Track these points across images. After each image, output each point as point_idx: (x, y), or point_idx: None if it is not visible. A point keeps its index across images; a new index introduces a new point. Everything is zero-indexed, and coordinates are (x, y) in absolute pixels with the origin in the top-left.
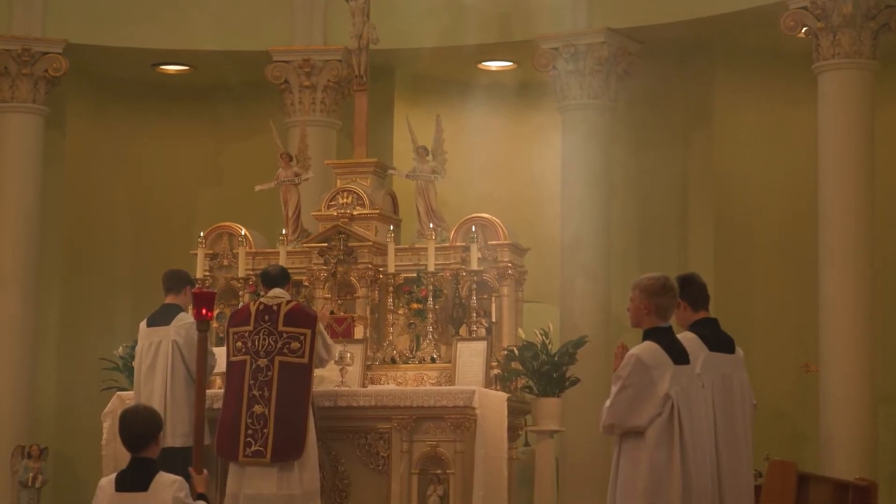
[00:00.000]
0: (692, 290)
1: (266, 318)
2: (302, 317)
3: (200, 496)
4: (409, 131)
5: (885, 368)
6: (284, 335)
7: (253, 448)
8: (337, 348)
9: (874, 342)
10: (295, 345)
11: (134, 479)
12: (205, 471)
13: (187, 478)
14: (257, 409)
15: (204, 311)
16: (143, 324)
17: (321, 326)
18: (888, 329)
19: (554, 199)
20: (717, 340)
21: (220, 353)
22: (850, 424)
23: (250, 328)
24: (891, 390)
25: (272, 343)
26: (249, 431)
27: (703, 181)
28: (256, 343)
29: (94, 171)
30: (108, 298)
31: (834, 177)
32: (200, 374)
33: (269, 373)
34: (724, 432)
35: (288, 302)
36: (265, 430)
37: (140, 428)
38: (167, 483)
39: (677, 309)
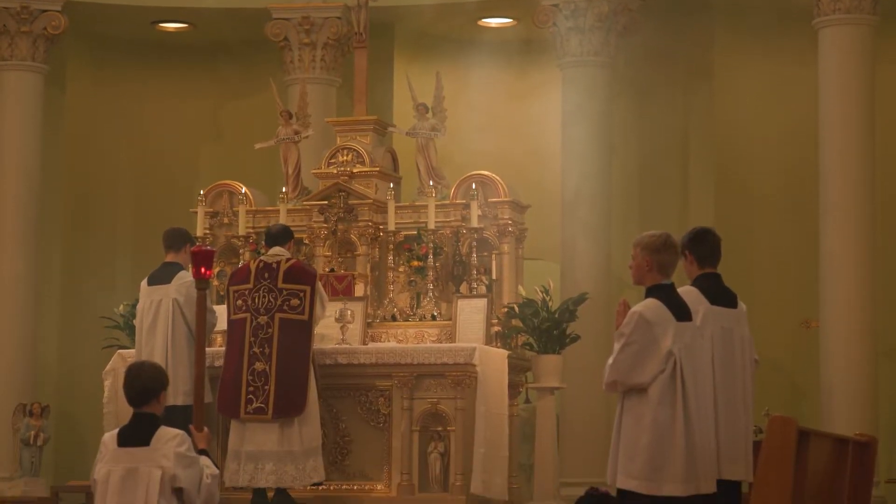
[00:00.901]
0: (702, 246)
1: (266, 275)
2: (301, 274)
3: (202, 452)
4: (410, 88)
5: (886, 323)
6: (284, 292)
7: (254, 405)
8: (336, 305)
9: (875, 297)
10: (295, 301)
11: (136, 433)
12: (205, 428)
13: (189, 435)
14: (258, 365)
15: (203, 270)
16: (143, 282)
17: (319, 284)
18: (889, 284)
19: (554, 156)
20: (719, 294)
21: (220, 311)
22: (850, 379)
23: (250, 286)
24: (891, 345)
25: (272, 300)
26: (251, 388)
27: (704, 137)
28: (256, 300)
29: (95, 129)
30: (108, 256)
31: (834, 132)
32: (200, 332)
33: (270, 330)
34: (723, 385)
35: (287, 259)
36: (266, 387)
37: (144, 383)
38: (169, 437)
39: (684, 261)
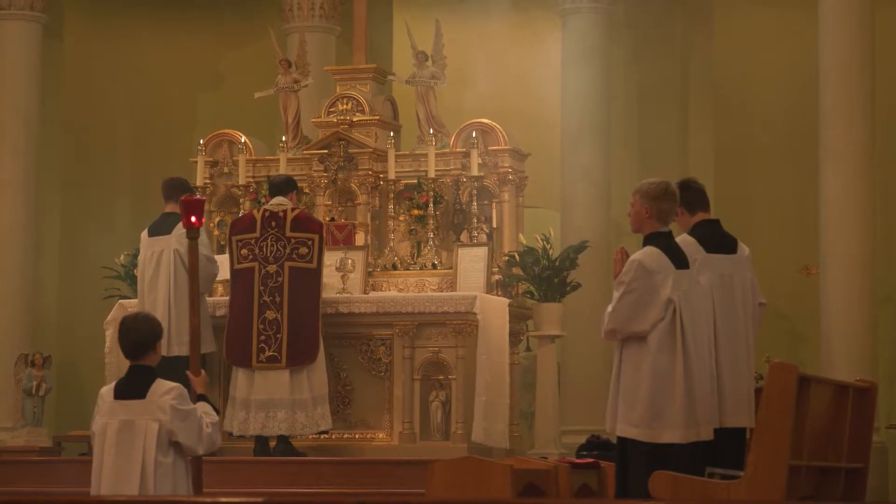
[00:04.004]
0: (687, 194)
1: (273, 224)
2: (309, 223)
3: (201, 397)
4: (409, 37)
5: (885, 269)
6: (293, 241)
7: (267, 353)
8: (337, 254)
9: (875, 243)
10: (303, 250)
11: (131, 386)
12: (202, 371)
13: (186, 382)
14: (269, 314)
15: (192, 219)
16: (144, 233)
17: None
18: (888, 230)
19: (554, 104)
20: (716, 241)
21: (223, 261)
22: (850, 325)
23: (257, 235)
24: (891, 291)
25: (280, 249)
26: (262, 337)
27: (703, 82)
28: (264, 249)
29: (93, 77)
30: (108, 205)
31: (835, 76)
32: (193, 281)
33: (280, 278)
34: (724, 334)
35: (293, 209)
36: (279, 336)
37: (139, 335)
38: (165, 390)
39: (675, 215)
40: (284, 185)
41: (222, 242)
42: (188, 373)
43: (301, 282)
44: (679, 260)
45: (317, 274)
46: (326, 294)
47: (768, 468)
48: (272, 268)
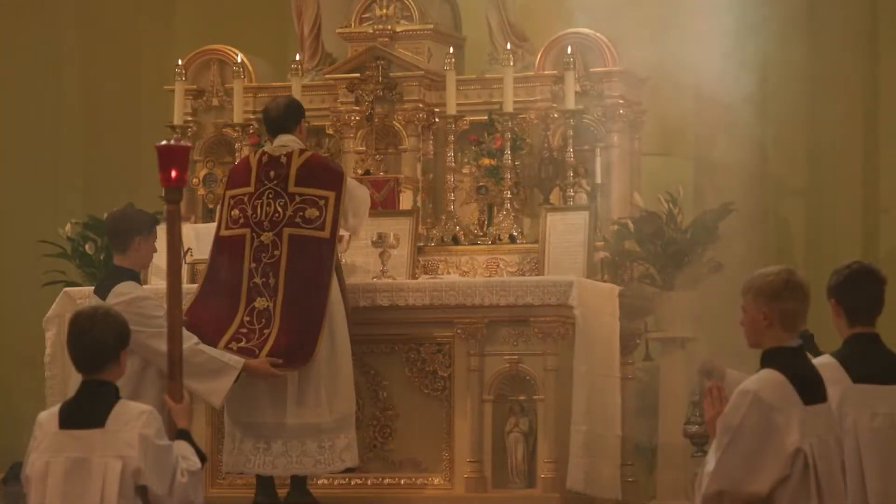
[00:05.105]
0: (855, 290)
1: (271, 174)
2: (322, 172)
3: (181, 433)
4: None
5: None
6: (297, 198)
7: (242, 344)
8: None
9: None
10: (312, 212)
11: (85, 410)
12: (186, 398)
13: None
14: (260, 302)
15: (173, 173)
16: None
17: (352, 183)
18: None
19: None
20: (870, 366)
21: (206, 230)
22: None
23: (251, 189)
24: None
25: (280, 209)
26: (243, 330)
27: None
28: (258, 210)
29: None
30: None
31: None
32: (172, 270)
33: (276, 251)
34: (881, 493)
35: (302, 151)
36: (266, 331)
37: (96, 338)
38: (132, 415)
39: (835, 317)
40: (286, 115)
41: (210, 206)
42: (166, 400)
43: (305, 256)
44: (811, 390)
45: (329, 246)
46: (358, 279)
47: None
48: (267, 236)
